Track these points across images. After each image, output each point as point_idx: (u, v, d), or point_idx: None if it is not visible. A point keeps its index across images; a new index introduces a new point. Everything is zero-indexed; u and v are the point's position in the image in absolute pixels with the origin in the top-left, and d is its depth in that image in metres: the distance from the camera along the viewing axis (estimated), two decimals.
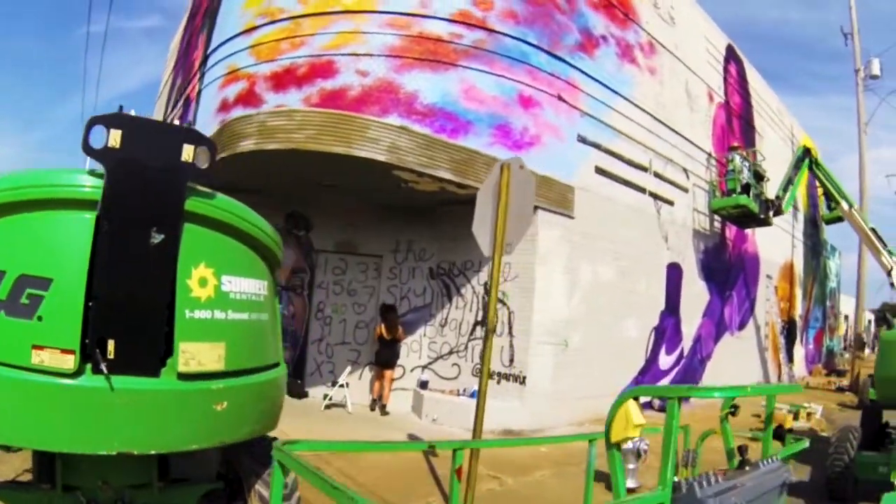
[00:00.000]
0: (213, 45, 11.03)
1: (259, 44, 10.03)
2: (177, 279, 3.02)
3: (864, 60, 18.04)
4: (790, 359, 18.13)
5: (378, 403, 9.82)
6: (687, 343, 13.08)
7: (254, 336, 3.50)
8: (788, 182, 13.68)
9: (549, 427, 9.26)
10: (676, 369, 12.69)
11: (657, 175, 12.04)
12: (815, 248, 22.62)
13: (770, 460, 2.97)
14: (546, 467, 7.42)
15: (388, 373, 9.83)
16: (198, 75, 12.18)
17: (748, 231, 15.80)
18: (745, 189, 12.80)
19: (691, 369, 13.25)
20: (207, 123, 9.89)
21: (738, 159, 13.19)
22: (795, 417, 11.55)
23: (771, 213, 13.21)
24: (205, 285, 3.14)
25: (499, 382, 9.49)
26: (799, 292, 20.32)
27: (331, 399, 9.62)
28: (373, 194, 9.83)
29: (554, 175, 9.64)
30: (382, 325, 9.86)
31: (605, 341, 10.51)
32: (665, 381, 12.29)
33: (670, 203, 12.47)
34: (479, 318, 9.86)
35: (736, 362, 15.32)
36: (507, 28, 9.47)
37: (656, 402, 11.58)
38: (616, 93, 11.00)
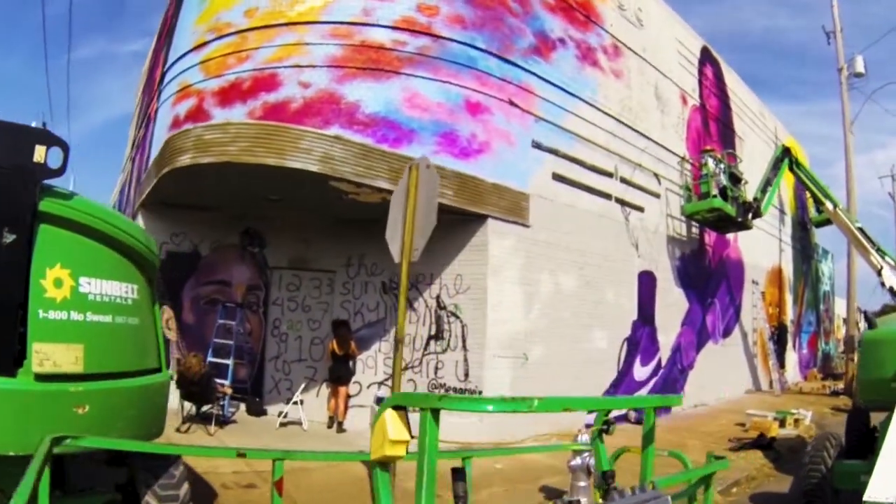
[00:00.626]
0: (169, 62, 10.72)
1: (208, 59, 9.73)
2: (30, 279, 3.01)
3: (848, 59, 17.30)
4: (781, 364, 17.27)
5: (335, 420, 9.28)
6: (665, 353, 12.39)
7: (121, 339, 3.50)
8: (767, 183, 13.00)
9: (510, 442, 8.66)
10: (654, 380, 11.99)
11: (624, 180, 11.46)
12: (806, 252, 21.77)
13: (646, 488, 2.38)
14: (498, 484, 6.89)
15: (342, 389, 9.31)
16: (156, 93, 11.86)
17: (729, 236, 15.10)
18: (722, 192, 12.15)
19: (670, 380, 12.54)
20: (161, 140, 9.54)
21: (711, 162, 12.56)
22: (782, 425, 10.83)
23: (749, 216, 12.51)
24: (60, 286, 3.14)
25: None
26: (789, 297, 19.48)
27: (285, 416, 9.17)
28: (325, 209, 9.38)
29: (505, 182, 9.12)
30: (334, 341, 9.38)
31: (570, 354, 9.90)
32: (641, 393, 11.60)
33: (640, 209, 11.85)
34: (433, 333, 9.31)
35: (722, 371, 14.56)
36: (453, 33, 9.04)
37: (632, 415, 10.94)
38: (576, 96, 10.47)
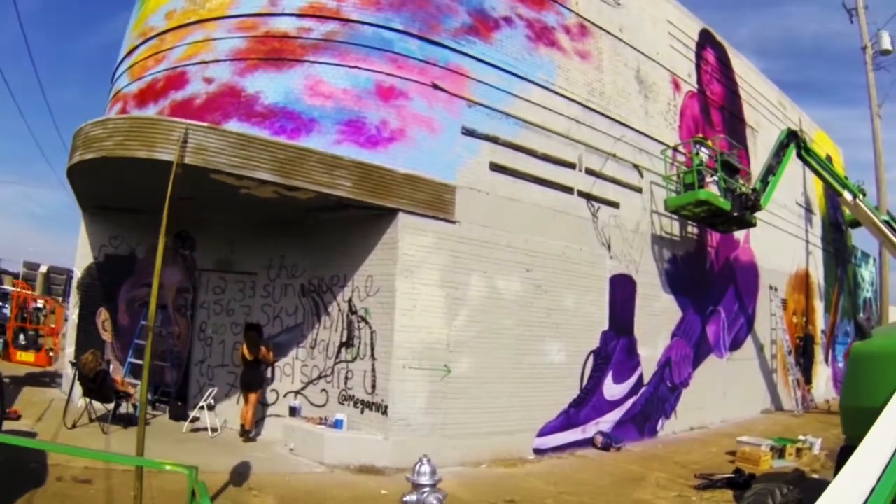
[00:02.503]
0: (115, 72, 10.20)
1: (134, 64, 9.36)
2: None
3: (872, 36, 14.43)
4: (808, 380, 14.45)
5: (243, 428, 8.11)
6: (648, 368, 10.35)
7: None
8: (768, 172, 10.69)
9: (406, 469, 7.09)
10: (633, 399, 10.00)
11: (592, 172, 9.65)
12: (841, 255, 18.47)
13: None
14: None
15: (251, 396, 8.20)
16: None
17: (739, 237, 12.75)
18: (700, 183, 10.05)
19: (657, 399, 10.47)
20: None
21: (703, 151, 10.48)
22: (780, 455, 8.66)
23: (747, 211, 10.27)
24: None
25: (362, 412, 7.62)
26: (819, 305, 16.45)
27: (195, 421, 8.31)
28: (249, 209, 8.29)
29: (423, 173, 7.69)
30: (244, 345, 8.30)
31: (511, 368, 8.25)
32: (616, 415, 9.67)
33: (614, 204, 9.98)
34: (345, 339, 7.97)
35: (729, 389, 12.20)
36: (365, 16, 7.90)
37: (599, 439, 9.10)
38: (525, 79, 8.90)
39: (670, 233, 11.13)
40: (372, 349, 7.57)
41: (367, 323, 7.71)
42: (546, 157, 9.01)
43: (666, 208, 10.47)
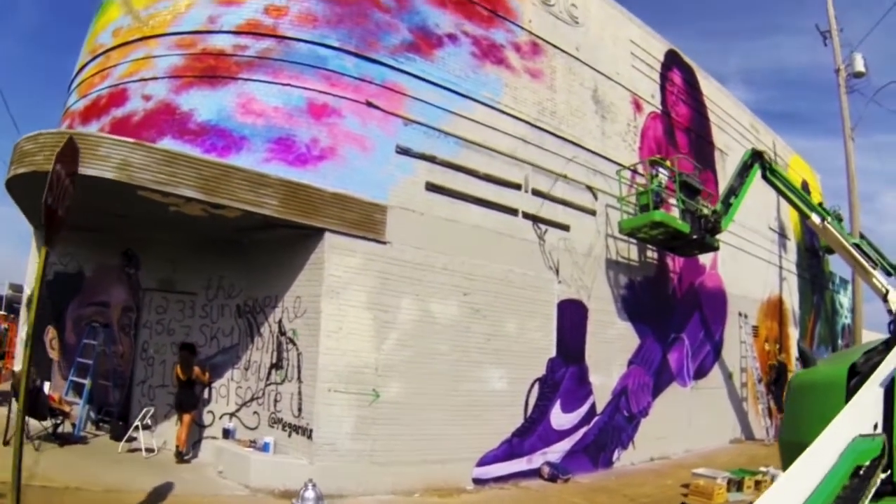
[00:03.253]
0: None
1: (82, 81, 9.31)
2: None
3: (846, 58, 14.17)
4: (781, 408, 13.92)
5: (177, 449, 7.83)
6: (602, 397, 9.96)
7: None
8: (730, 193, 10.34)
9: (353, 494, 6.86)
10: (585, 429, 9.59)
11: (539, 193, 9.40)
12: (817, 282, 17.97)
13: None
14: None
15: (185, 417, 7.94)
16: None
17: (704, 262, 12.40)
18: (658, 205, 9.76)
19: (611, 429, 10.05)
20: None
21: (662, 172, 10.21)
22: (738, 488, 8.21)
23: (707, 233, 9.92)
24: None
25: (290, 435, 7.37)
26: (794, 332, 15.92)
27: (132, 441, 8.03)
28: (190, 228, 8.06)
29: (352, 192, 7.47)
30: (178, 365, 8.08)
31: (446, 395, 7.92)
32: (565, 445, 9.27)
33: (563, 227, 9.70)
34: (274, 361, 7.71)
35: (697, 418, 11.74)
36: (301, 33, 7.80)
37: (546, 470, 8.71)
38: (468, 97, 8.72)
39: (627, 257, 10.81)
40: (299, 371, 7.31)
41: (294, 345, 7.46)
42: (489, 178, 8.78)
43: (620, 231, 10.17)
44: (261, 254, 8.24)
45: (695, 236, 9.87)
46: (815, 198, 12.14)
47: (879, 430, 2.79)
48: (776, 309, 14.91)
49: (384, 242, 7.65)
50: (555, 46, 10.17)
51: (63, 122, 9.53)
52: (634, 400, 10.55)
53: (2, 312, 15.34)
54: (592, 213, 10.27)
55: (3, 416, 8.35)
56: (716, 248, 10.79)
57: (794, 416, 4.16)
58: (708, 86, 13.56)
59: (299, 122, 7.53)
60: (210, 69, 7.70)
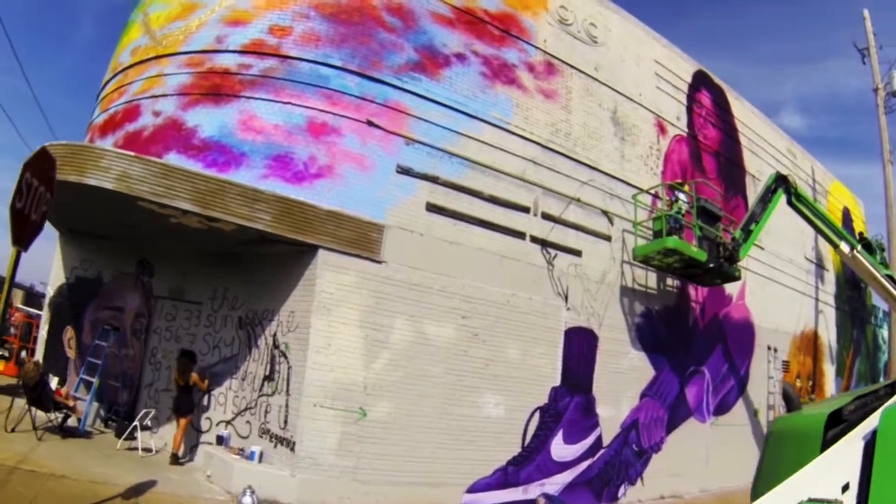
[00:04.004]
0: None
1: (104, 97, 9.68)
2: None
3: (885, 76, 13.19)
4: None
5: (173, 452, 7.99)
6: (610, 430, 9.48)
7: None
8: (751, 220, 9.71)
9: None
10: (589, 462, 9.14)
11: (549, 217, 9.12)
12: (858, 315, 16.60)
13: None
14: None
15: (181, 421, 8.07)
16: None
17: (731, 292, 11.70)
18: (677, 231, 9.27)
19: (619, 463, 9.53)
20: None
21: (682, 198, 9.74)
22: None
23: (724, 262, 9.34)
24: None
25: (276, 446, 7.40)
26: (829, 368, 14.74)
27: (132, 440, 8.25)
28: (199, 241, 8.26)
29: (348, 210, 7.43)
30: (176, 371, 8.25)
31: (438, 418, 7.71)
32: (566, 477, 8.85)
33: (574, 252, 9.36)
34: (267, 373, 7.72)
35: (716, 456, 11.00)
36: (304, 52, 7.91)
37: (541, 501, 8.35)
38: (475, 118, 8.58)
39: (645, 285, 10.33)
40: (288, 385, 7.29)
41: (286, 358, 7.45)
42: (494, 200, 8.58)
43: (634, 257, 9.73)
44: (262, 268, 8.31)
45: (711, 265, 9.31)
46: (858, 226, 11.28)
47: (850, 493, 2.40)
48: (811, 343, 13.90)
49: (380, 262, 7.56)
50: (571, 66, 9.93)
51: (87, 134, 9.99)
52: (646, 434, 9.99)
53: (32, 311, 16.09)
54: (608, 238, 9.88)
55: (19, 408, 8.71)
56: (737, 278, 10.16)
57: (767, 465, 3.74)
58: (740, 108, 12.93)
59: (298, 140, 7.58)
60: (215, 87, 7.89)
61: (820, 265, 14.49)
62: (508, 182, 8.79)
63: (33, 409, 7.90)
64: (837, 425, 2.88)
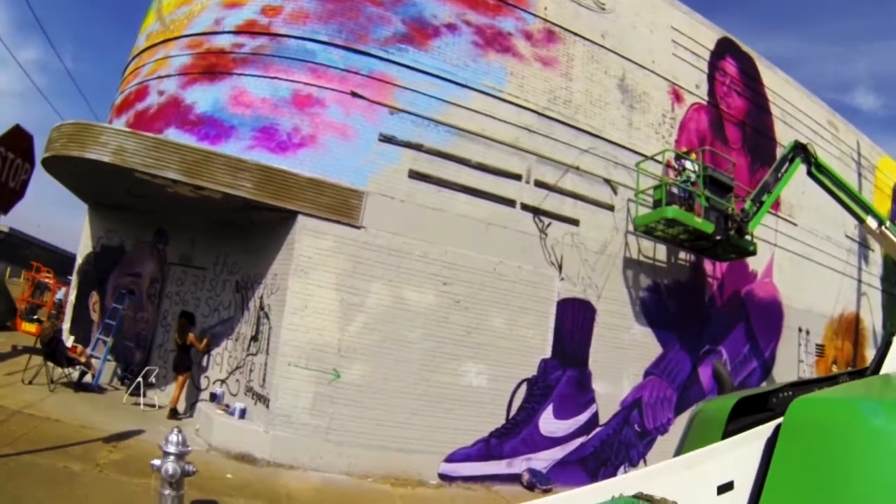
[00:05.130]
0: None
1: (123, 80, 10.26)
2: None
3: None
4: None
5: (171, 407, 8.49)
6: (608, 407, 9.10)
7: None
8: (763, 190, 8.93)
9: (304, 467, 6.98)
10: (582, 440, 8.83)
11: (543, 185, 8.85)
12: None
13: None
14: None
15: (179, 378, 8.53)
16: None
17: (755, 269, 10.86)
18: (687, 201, 8.73)
19: (618, 443, 9.14)
20: None
21: (690, 166, 9.17)
22: None
23: (730, 234, 8.67)
24: None
25: (255, 403, 7.69)
26: (872, 355, 13.24)
27: (137, 395, 8.77)
28: (205, 208, 8.71)
29: (329, 178, 7.56)
30: (176, 331, 8.75)
31: (414, 384, 7.71)
32: (556, 453, 8.61)
33: (571, 221, 9.03)
34: (253, 334, 8.04)
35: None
36: (292, 30, 8.16)
37: (526, 476, 8.23)
38: (464, 86, 8.45)
39: (653, 258, 9.81)
40: (268, 344, 7.54)
41: (268, 319, 7.71)
42: (482, 167, 8.42)
43: (635, 228, 9.25)
44: (254, 234, 8.62)
45: (718, 237, 8.68)
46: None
47: (731, 495, 1.81)
48: (851, 327, 12.64)
49: (359, 227, 7.63)
50: (575, 34, 9.54)
51: (110, 112, 10.73)
52: (651, 414, 9.52)
53: (62, 279, 17.36)
54: (610, 208, 9.45)
55: (35, 364, 9.54)
56: (752, 252, 9.40)
57: (678, 451, 3.33)
58: (772, 77, 11.91)
59: (283, 112, 7.78)
60: (211, 66, 8.22)
61: (864, 244, 13.15)
62: (500, 150, 8.60)
63: (50, 364, 8.59)
64: (752, 413, 2.38)
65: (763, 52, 11.22)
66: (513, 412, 8.32)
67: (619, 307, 9.37)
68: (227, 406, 7.92)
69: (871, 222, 8.46)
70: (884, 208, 12.90)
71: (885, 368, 2.38)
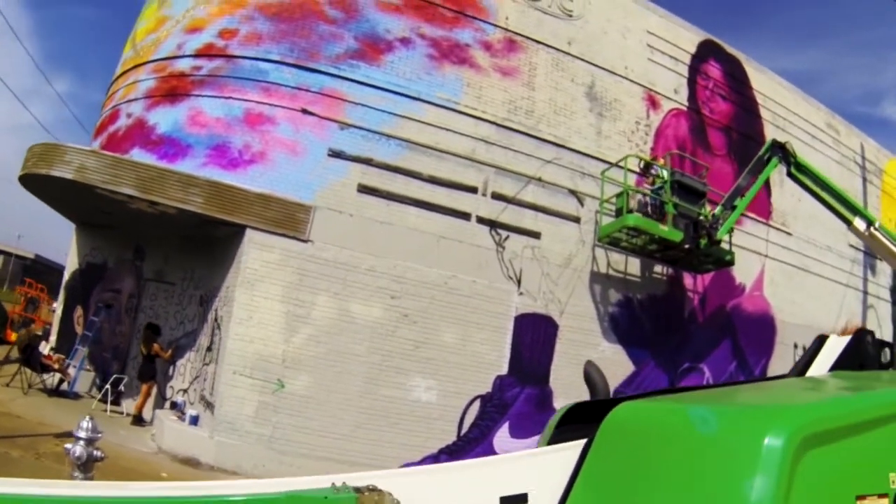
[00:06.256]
0: None
1: (103, 104, 11.15)
2: None
3: None
4: None
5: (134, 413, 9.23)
6: None
7: None
8: (736, 194, 8.91)
9: (247, 474, 7.51)
10: None
11: (501, 197, 9.17)
12: None
13: None
14: None
15: (143, 386, 9.27)
16: None
17: (742, 281, 10.76)
18: (657, 210, 8.86)
19: None
20: None
21: (665, 174, 9.29)
22: None
23: (698, 241, 8.68)
24: None
25: (206, 410, 8.28)
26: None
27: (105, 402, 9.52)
28: (173, 225, 9.45)
29: (278, 193, 8.15)
30: (141, 341, 9.53)
31: (359, 397, 8.10)
32: None
33: (532, 234, 9.30)
34: (209, 344, 8.64)
35: None
36: (247, 51, 8.91)
37: None
38: (418, 99, 8.92)
39: (624, 271, 9.92)
40: (218, 354, 8.12)
41: (220, 330, 8.29)
42: (434, 180, 8.83)
43: (599, 239, 9.42)
44: (217, 249, 9.25)
45: (686, 245, 8.75)
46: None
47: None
48: None
49: (305, 241, 8.15)
50: (538, 42, 9.88)
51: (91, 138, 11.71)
52: None
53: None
54: (576, 219, 9.66)
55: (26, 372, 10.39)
56: (730, 263, 9.41)
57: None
58: (762, 79, 11.83)
59: (235, 131, 8.44)
60: (172, 89, 9.00)
61: (870, 254, 12.74)
62: (454, 162, 8.99)
63: (28, 370, 9.46)
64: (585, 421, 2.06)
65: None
66: (465, 429, 8.58)
67: (585, 323, 9.52)
68: (182, 413, 8.53)
69: (860, 224, 8.34)
70: (893, 212, 12.54)
71: (812, 371, 2.39)
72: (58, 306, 12.36)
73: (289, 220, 8.13)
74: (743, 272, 10.66)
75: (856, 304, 12.46)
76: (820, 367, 2.40)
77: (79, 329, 11.49)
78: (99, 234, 11.45)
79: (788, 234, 11.32)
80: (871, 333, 2.39)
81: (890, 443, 1.50)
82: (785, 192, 11.17)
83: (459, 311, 8.70)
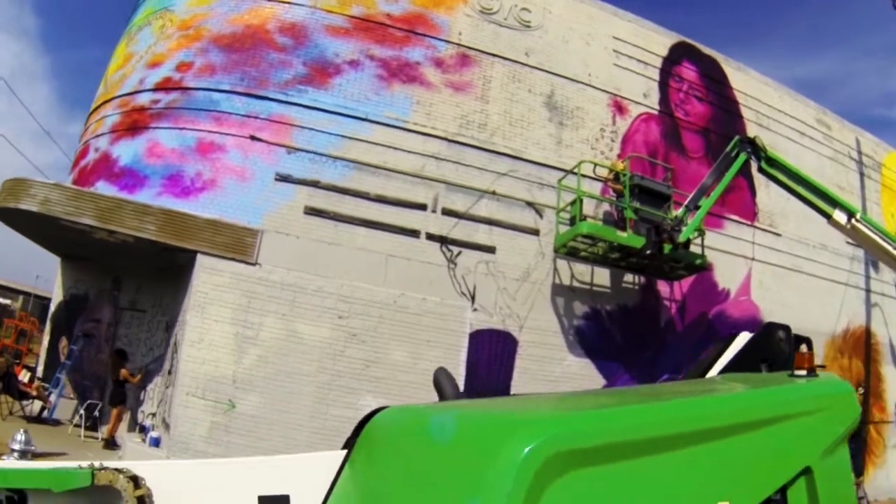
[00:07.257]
0: None
1: (79, 141, 12.23)
2: None
3: None
4: (858, 471, 10.67)
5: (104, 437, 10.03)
6: None
7: None
8: (700, 194, 8.88)
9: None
10: None
11: (451, 213, 9.56)
12: None
13: None
14: None
15: (114, 410, 10.04)
16: None
17: (727, 286, 10.64)
18: (617, 219, 9.03)
19: None
20: None
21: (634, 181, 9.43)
22: None
23: (658, 245, 8.70)
24: None
25: (165, 431, 8.95)
26: (890, 371, 12.00)
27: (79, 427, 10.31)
28: (144, 255, 10.33)
29: (226, 218, 8.84)
30: (110, 367, 10.36)
31: (309, 416, 8.59)
32: None
33: (485, 249, 9.62)
34: (169, 368, 9.35)
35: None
36: (200, 83, 9.71)
37: None
38: (365, 119, 9.49)
39: (590, 282, 10.06)
40: (174, 376, 8.81)
41: (177, 353, 8.99)
42: (382, 199, 9.32)
43: (555, 250, 9.63)
44: (178, 276, 10.03)
45: (648, 251, 8.83)
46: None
47: None
48: (860, 343, 11.70)
49: (253, 264, 8.78)
50: (493, 55, 10.31)
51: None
52: None
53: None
54: (534, 231, 9.92)
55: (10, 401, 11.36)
56: (702, 267, 9.40)
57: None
58: (742, 78, 11.76)
59: (188, 160, 9.22)
60: (133, 122, 9.92)
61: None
62: (402, 180, 9.47)
63: (8, 397, 10.44)
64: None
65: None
66: None
67: (548, 337, 9.71)
68: (145, 435, 9.24)
69: (840, 216, 8.20)
70: (894, 206, 12.10)
71: (714, 371, 2.33)
72: (44, 337, 13.47)
73: (237, 244, 8.79)
74: (726, 277, 10.60)
75: (858, 303, 12.05)
76: (722, 365, 2.31)
77: (63, 358, 12.52)
78: (81, 267, 12.47)
79: (777, 234, 11.16)
80: (786, 328, 2.24)
81: (714, 464, 1.29)
82: (772, 192, 11.04)
83: (410, 329, 9.09)
